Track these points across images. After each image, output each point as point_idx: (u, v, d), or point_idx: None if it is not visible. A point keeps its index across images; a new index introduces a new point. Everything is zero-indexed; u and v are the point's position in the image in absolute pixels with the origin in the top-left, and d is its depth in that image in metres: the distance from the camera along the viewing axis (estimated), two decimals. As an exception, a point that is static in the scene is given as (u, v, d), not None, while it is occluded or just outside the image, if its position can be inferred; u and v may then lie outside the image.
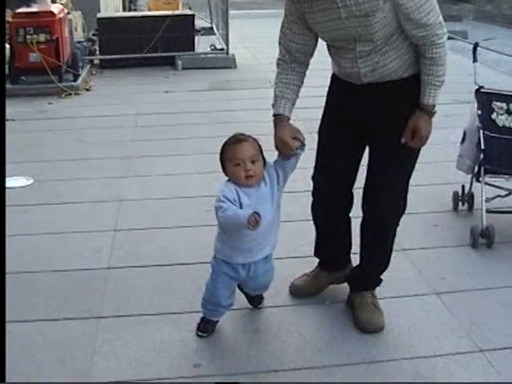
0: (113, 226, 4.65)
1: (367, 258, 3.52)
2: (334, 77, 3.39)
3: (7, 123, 7.18)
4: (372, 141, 3.30)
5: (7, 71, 8.53)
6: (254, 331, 3.44)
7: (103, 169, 5.81)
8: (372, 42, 3.00)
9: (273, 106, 3.25)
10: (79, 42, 9.99)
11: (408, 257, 4.16)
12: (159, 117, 7.45)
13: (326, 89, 3.47)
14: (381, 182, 3.29)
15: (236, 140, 3.11)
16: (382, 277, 3.57)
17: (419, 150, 3.26)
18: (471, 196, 4.81)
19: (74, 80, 8.83)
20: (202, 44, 10.52)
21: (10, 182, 5.51)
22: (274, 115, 3.23)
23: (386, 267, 3.54)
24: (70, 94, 8.51)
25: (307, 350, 3.29)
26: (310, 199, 3.60)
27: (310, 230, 3.75)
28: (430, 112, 3.13)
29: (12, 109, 7.73)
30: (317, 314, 3.61)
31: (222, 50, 10.30)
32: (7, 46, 8.49)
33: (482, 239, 4.31)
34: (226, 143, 3.15)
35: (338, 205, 3.51)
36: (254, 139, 3.15)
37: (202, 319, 3.41)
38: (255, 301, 3.60)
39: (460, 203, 4.85)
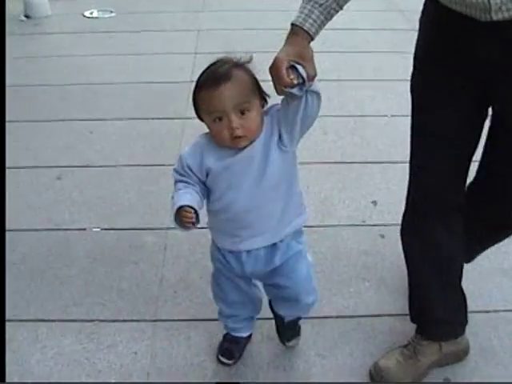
0: (193, 50, 5.01)
1: None
2: (430, 6, 1.97)
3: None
4: (502, 113, 1.97)
5: None
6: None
7: (180, 3, 6.15)
8: None
9: None
10: None
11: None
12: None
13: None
14: None
15: (213, 81, 1.82)
16: None
17: None
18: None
19: None
20: None
21: (94, 13, 5.88)
22: (292, 24, 1.86)
23: None
24: None
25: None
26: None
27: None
28: None
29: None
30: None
31: None
32: None
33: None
34: (199, 80, 1.88)
35: (449, 221, 2.15)
36: (245, 68, 1.90)
37: (225, 337, 2.43)
38: (286, 331, 2.39)
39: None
